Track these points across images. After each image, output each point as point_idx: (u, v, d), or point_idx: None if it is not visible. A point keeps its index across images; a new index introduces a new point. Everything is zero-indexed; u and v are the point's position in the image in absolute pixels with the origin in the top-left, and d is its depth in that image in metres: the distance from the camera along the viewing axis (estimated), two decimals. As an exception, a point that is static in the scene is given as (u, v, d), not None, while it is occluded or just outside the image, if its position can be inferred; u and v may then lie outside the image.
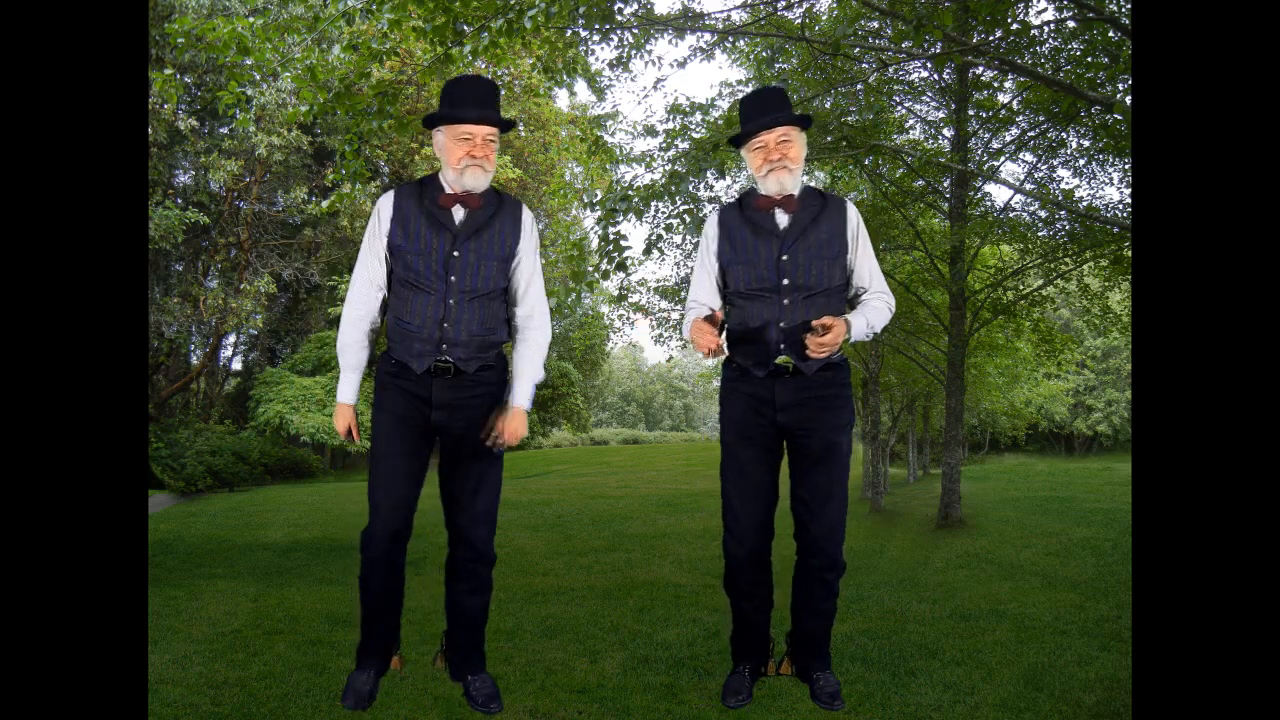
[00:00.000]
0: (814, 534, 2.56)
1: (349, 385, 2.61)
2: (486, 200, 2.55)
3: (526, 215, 2.61)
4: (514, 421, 2.55)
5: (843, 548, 2.60)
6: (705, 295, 2.67)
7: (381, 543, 2.54)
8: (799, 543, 2.61)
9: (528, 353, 2.62)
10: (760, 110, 2.59)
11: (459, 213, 2.53)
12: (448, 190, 2.54)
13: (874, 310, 2.61)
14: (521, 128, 22.25)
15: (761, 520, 2.60)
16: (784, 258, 2.54)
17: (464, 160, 2.49)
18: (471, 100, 2.48)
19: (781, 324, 2.54)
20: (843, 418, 2.58)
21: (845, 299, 2.66)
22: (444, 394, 2.51)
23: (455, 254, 2.49)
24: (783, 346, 2.53)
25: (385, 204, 2.57)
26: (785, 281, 2.54)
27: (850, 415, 2.61)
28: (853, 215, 2.64)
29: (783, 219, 2.59)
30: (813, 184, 2.92)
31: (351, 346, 2.59)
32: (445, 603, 2.70)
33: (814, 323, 2.45)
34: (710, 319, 2.46)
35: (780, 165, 2.56)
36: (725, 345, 2.51)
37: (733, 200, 2.75)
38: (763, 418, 2.57)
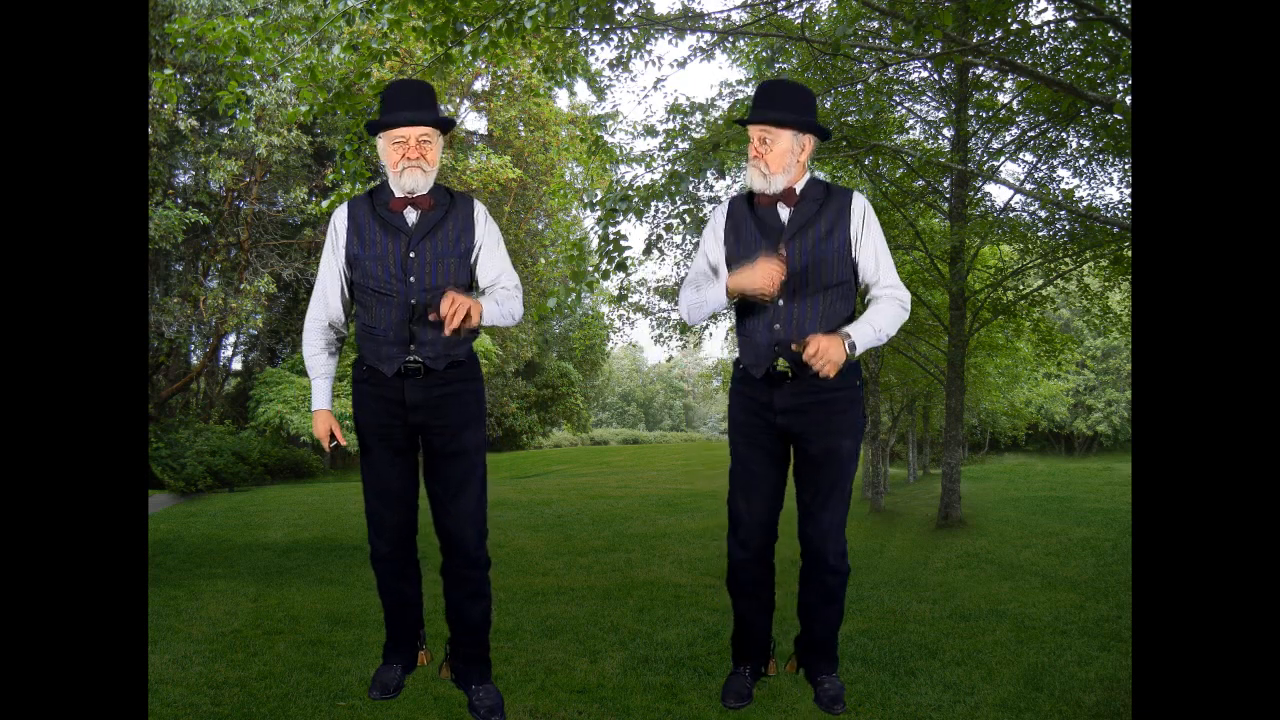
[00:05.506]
0: (811, 537, 2.56)
1: (321, 392, 2.63)
2: (438, 200, 2.57)
3: (479, 209, 2.63)
4: (459, 301, 2.37)
5: (844, 554, 2.57)
6: (705, 277, 2.62)
7: (383, 552, 2.65)
8: (801, 545, 2.60)
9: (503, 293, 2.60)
10: (761, 102, 2.50)
11: (411, 215, 2.54)
12: (397, 195, 2.55)
13: (882, 314, 2.47)
14: (522, 128, 22.23)
15: (766, 521, 2.59)
16: (783, 254, 2.46)
17: (400, 163, 2.50)
18: (403, 104, 2.50)
19: (776, 326, 2.47)
20: (846, 422, 2.49)
21: (852, 295, 2.55)
22: (417, 395, 2.52)
23: (412, 255, 2.51)
24: (776, 349, 2.47)
25: (340, 218, 2.59)
26: (783, 280, 2.44)
27: (858, 419, 2.51)
28: (858, 206, 2.52)
29: (785, 213, 2.51)
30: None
31: (318, 356, 2.64)
32: (445, 611, 2.71)
33: (794, 346, 2.39)
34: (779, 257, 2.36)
35: (755, 164, 2.50)
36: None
37: (746, 191, 2.67)
38: (762, 420, 2.54)
